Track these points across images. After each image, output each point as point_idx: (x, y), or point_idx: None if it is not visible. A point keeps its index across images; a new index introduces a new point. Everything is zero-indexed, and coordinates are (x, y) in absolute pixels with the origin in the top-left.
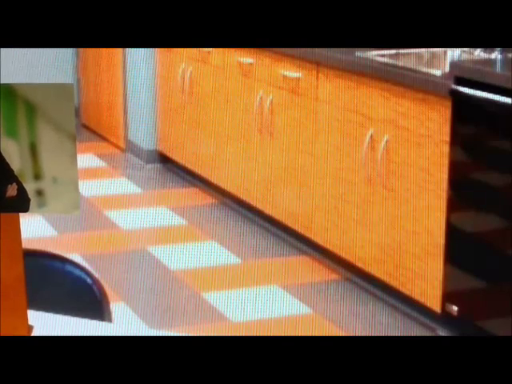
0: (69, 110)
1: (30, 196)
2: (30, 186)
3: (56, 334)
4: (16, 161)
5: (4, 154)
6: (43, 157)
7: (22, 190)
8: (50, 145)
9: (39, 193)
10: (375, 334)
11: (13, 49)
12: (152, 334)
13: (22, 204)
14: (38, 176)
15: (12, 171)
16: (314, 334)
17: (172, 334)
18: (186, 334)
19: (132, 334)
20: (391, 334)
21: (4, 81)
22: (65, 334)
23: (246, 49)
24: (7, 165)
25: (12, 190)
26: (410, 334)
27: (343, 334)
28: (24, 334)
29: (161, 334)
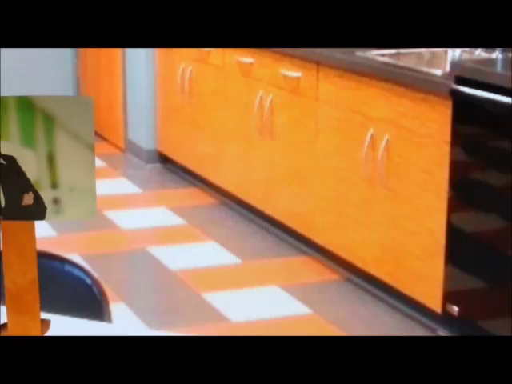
0: (88, 122)
1: (46, 204)
2: (46, 195)
3: (55, 335)
4: (33, 170)
5: (21, 163)
6: (60, 166)
7: (38, 199)
8: (67, 154)
9: (56, 201)
10: (375, 335)
11: (13, 49)
12: (152, 334)
13: (38, 212)
14: (54, 185)
15: (28, 180)
16: (313, 335)
17: (172, 334)
18: (186, 334)
19: (132, 335)
20: (391, 334)
21: (4, 80)
22: (64, 335)
23: (246, 48)
24: (23, 174)
25: (28, 199)
26: (410, 334)
27: (343, 335)
28: (37, 334)
29: (161, 334)
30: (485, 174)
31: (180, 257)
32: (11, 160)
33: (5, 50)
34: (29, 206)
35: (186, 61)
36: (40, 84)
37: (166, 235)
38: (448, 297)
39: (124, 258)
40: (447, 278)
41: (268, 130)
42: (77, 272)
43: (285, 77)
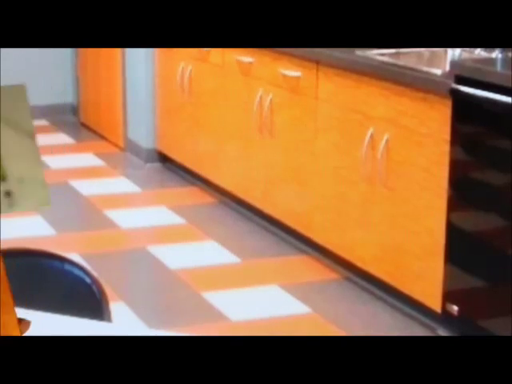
0: (24, 110)
1: None
2: None
3: (55, 334)
4: None
5: None
6: (6, 159)
7: None
8: (10, 146)
9: (8, 194)
10: (375, 334)
11: (13, 49)
12: (152, 334)
13: None
14: (3, 178)
15: None
16: (313, 334)
17: (172, 334)
18: (186, 334)
19: (131, 334)
20: (391, 334)
21: (4, 80)
22: (64, 334)
23: (245, 48)
24: None
25: None
26: (410, 334)
27: (343, 334)
28: (14, 330)
29: (161, 334)
30: (485, 173)
31: (180, 256)
32: None
33: (5, 50)
34: None
35: (185, 60)
36: (40, 84)
37: (166, 234)
38: (448, 296)
39: (124, 258)
40: (447, 278)
41: (268, 129)
42: (76, 271)
43: (284, 76)
